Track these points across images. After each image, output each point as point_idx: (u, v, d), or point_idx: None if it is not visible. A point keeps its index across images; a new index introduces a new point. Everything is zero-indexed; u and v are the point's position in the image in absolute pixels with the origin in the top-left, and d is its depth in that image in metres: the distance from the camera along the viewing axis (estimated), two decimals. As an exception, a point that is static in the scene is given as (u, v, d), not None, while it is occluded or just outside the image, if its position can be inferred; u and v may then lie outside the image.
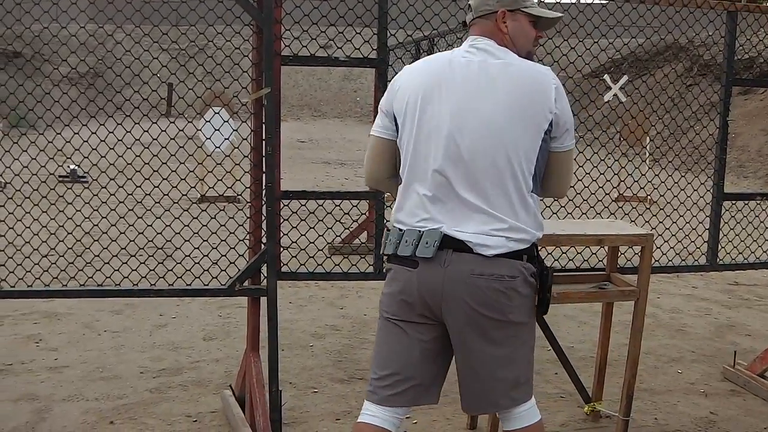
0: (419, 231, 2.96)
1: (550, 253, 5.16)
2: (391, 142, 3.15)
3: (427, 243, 2.94)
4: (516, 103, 2.95)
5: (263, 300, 4.34)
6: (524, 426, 3.13)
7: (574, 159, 3.20)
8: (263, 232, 4.28)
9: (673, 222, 5.41)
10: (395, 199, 3.14)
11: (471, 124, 2.94)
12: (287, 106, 33.33)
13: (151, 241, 4.57)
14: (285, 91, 33.19)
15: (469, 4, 3.14)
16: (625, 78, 5.08)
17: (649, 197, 10.43)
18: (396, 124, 3.11)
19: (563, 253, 5.15)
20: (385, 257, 3.16)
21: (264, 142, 4.24)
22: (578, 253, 5.22)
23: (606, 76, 5.01)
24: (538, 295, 3.08)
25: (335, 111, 32.71)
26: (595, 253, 5.41)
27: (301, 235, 4.72)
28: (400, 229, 3.03)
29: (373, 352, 3.20)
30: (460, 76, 2.99)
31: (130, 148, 4.61)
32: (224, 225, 4.55)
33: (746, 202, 5.42)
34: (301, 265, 4.75)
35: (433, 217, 2.97)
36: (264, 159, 4.26)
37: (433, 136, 2.98)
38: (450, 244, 2.93)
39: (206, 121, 4.53)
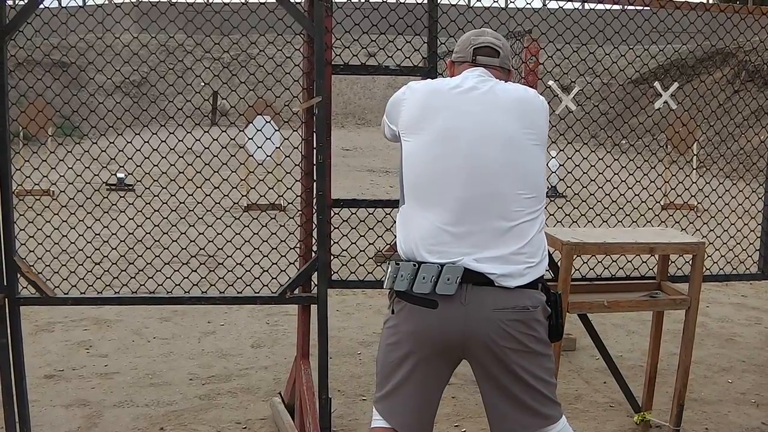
0: (439, 266, 2.84)
1: (600, 261, 5.13)
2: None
3: (448, 279, 2.83)
4: (526, 127, 2.98)
5: (313, 308, 4.37)
6: None
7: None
8: (314, 241, 4.31)
9: (725, 230, 5.36)
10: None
11: (489, 149, 2.92)
12: (332, 114, 33.51)
13: (202, 249, 4.61)
14: (329, 99, 33.46)
15: (483, 50, 3.17)
16: (675, 85, 5.05)
17: (699, 204, 10.33)
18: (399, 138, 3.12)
19: (614, 261, 5.10)
20: (392, 292, 3.00)
21: (315, 150, 4.26)
22: (629, 261, 5.18)
23: (657, 83, 4.95)
24: (550, 321, 3.01)
25: (380, 119, 32.64)
26: (645, 262, 5.38)
27: (352, 243, 4.73)
28: (415, 264, 2.88)
29: (378, 365, 3.13)
30: (471, 101, 3.00)
31: (182, 157, 4.66)
32: (275, 233, 4.57)
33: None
34: (352, 273, 4.77)
35: (453, 249, 2.88)
36: (315, 168, 4.28)
37: (449, 161, 2.93)
38: (470, 278, 2.84)
39: (257, 130, 4.55)
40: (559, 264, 4.04)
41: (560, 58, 5.23)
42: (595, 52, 5.05)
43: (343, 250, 4.86)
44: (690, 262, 4.21)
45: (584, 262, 5.02)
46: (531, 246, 2.91)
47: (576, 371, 5.67)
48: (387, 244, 6.53)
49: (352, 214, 4.84)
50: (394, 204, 4.66)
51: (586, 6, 4.84)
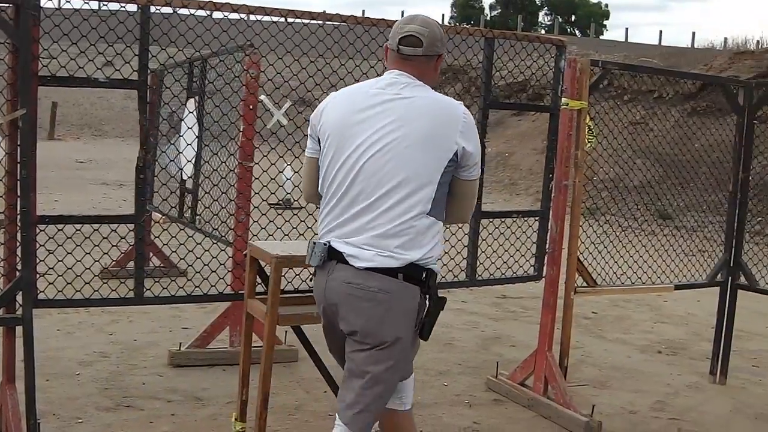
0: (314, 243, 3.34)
1: (312, 274, 5.22)
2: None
3: (314, 253, 3.33)
4: (425, 133, 3.22)
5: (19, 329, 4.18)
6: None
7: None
8: (18, 259, 4.13)
9: (446, 240, 5.59)
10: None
11: (377, 150, 3.22)
12: (66, 126, 32.29)
13: None
14: (64, 109, 32.24)
15: (407, 40, 3.34)
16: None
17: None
18: (320, 145, 3.41)
19: (297, 274, 5.17)
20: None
21: (19, 165, 4.08)
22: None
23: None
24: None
25: (117, 131, 31.96)
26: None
27: (77, 261, 4.60)
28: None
29: None
30: (378, 106, 3.27)
31: None
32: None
33: (503, 219, 5.68)
34: (59, 291, 4.61)
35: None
36: (19, 183, 4.09)
37: (343, 159, 3.27)
38: (334, 255, 3.27)
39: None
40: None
41: (302, 74, 5.27)
42: (331, 62, 5.13)
43: (50, 268, 4.67)
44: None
45: (296, 275, 5.08)
46: (389, 236, 3.20)
47: (297, 382, 5.74)
48: (113, 261, 6.37)
49: (77, 230, 4.68)
50: (103, 220, 4.56)
51: (302, 21, 4.94)
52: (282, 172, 5.44)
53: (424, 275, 3.27)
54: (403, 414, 3.59)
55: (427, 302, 3.36)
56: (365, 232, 3.22)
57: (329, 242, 3.31)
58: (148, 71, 4.41)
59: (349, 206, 3.26)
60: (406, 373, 3.50)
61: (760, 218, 13.60)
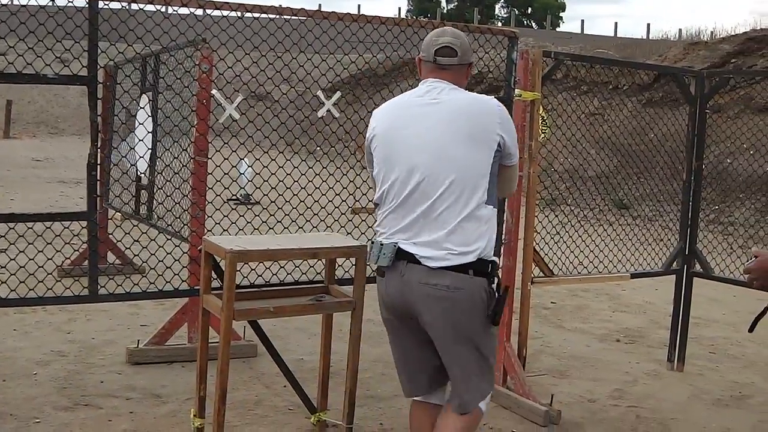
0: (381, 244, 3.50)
1: (268, 268, 5.21)
2: None
3: (384, 254, 3.47)
4: (454, 125, 3.46)
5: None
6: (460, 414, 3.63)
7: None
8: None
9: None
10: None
11: (428, 151, 3.44)
12: (22, 124, 31.91)
13: None
14: (19, 107, 31.87)
15: (443, 51, 3.61)
16: (338, 94, 5.18)
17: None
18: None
19: (282, 267, 5.19)
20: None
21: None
22: (296, 266, 5.30)
23: (320, 92, 5.09)
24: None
25: (74, 128, 31.61)
26: (312, 266, 5.53)
27: (30, 259, 4.55)
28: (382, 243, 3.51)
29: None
30: (420, 111, 3.52)
31: None
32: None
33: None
34: (12, 290, 4.56)
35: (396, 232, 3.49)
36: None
37: (390, 161, 3.51)
38: (403, 256, 3.44)
39: None
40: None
41: (255, 69, 5.24)
42: (289, 62, 5.13)
43: (18, 265, 4.64)
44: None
45: (252, 269, 5.07)
46: (453, 233, 3.40)
47: (257, 377, 5.72)
48: (66, 258, 6.31)
49: (29, 228, 4.64)
50: (54, 218, 4.51)
51: (256, 15, 4.91)
52: (236, 166, 5.41)
53: (489, 267, 3.49)
54: (448, 414, 3.71)
55: (494, 292, 3.53)
56: (432, 232, 3.42)
57: (397, 243, 3.47)
58: (98, 67, 4.36)
59: (410, 209, 3.46)
60: (492, 356, 3.68)
61: (715, 207, 13.75)
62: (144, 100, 6.83)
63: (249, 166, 6.81)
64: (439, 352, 3.57)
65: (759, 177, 11.11)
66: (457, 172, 3.41)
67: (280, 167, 5.32)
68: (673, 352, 6.50)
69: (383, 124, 3.61)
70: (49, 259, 4.80)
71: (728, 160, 12.41)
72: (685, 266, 6.44)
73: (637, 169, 6.48)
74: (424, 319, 3.48)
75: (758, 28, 20.53)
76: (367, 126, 6.83)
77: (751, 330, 2.97)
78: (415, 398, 3.80)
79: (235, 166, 5.34)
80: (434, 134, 3.45)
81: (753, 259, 3.00)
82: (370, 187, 7.04)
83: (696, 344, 7.11)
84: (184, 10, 4.69)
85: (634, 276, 6.27)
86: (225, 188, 5.27)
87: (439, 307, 3.42)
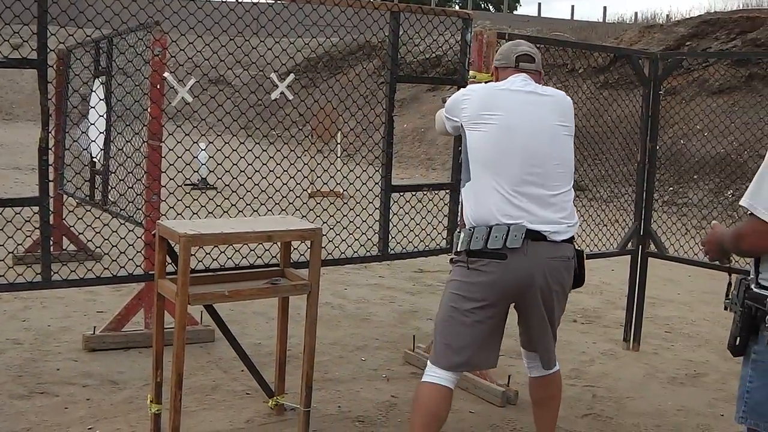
0: (506, 226, 3.66)
1: (223, 252, 5.18)
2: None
3: (515, 235, 3.64)
4: (562, 121, 3.88)
5: None
6: (557, 369, 4.16)
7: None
8: None
9: (357, 215, 5.60)
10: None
11: (539, 140, 3.77)
12: (-24, 110, 31.43)
13: None
14: (-28, 94, 31.34)
15: (523, 57, 4.02)
16: (291, 76, 5.15)
17: (345, 192, 10.73)
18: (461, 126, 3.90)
19: (236, 251, 5.17)
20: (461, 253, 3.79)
21: None
22: (251, 250, 5.28)
23: (273, 75, 5.05)
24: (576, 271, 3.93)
25: (28, 114, 31.07)
26: (268, 250, 5.51)
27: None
28: (487, 227, 3.68)
29: (447, 329, 3.88)
30: (524, 101, 3.84)
31: None
32: None
33: (414, 192, 5.69)
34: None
35: (514, 213, 3.69)
36: None
37: (509, 147, 3.73)
38: (528, 235, 3.67)
39: None
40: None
41: (209, 52, 5.19)
42: (241, 45, 5.07)
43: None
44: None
45: (207, 253, 5.04)
46: (566, 210, 3.80)
47: (215, 362, 5.70)
48: (18, 245, 6.21)
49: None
50: (5, 203, 4.44)
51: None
52: (197, 157, 5.37)
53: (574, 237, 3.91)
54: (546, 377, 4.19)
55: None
56: (551, 209, 3.75)
57: (524, 224, 3.69)
58: (48, 50, 4.30)
59: (529, 188, 3.73)
60: None
61: (670, 188, 13.88)
62: (96, 84, 6.75)
63: (202, 150, 6.75)
64: (537, 318, 3.90)
65: (712, 158, 11.23)
66: (561, 156, 3.83)
67: (234, 150, 5.29)
68: (629, 331, 6.57)
69: (487, 103, 3.83)
70: (1, 245, 4.73)
71: (682, 141, 12.52)
72: (640, 246, 6.50)
73: (593, 152, 6.49)
74: (542, 293, 3.78)
75: (712, 11, 20.69)
76: (321, 109, 6.82)
77: (726, 308, 3.03)
78: (436, 381, 3.86)
79: (197, 157, 5.30)
80: (548, 123, 3.82)
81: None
82: (325, 170, 7.08)
83: (651, 324, 7.19)
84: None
85: (589, 257, 6.25)
86: (178, 172, 5.22)
87: (563, 276, 3.81)
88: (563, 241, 3.78)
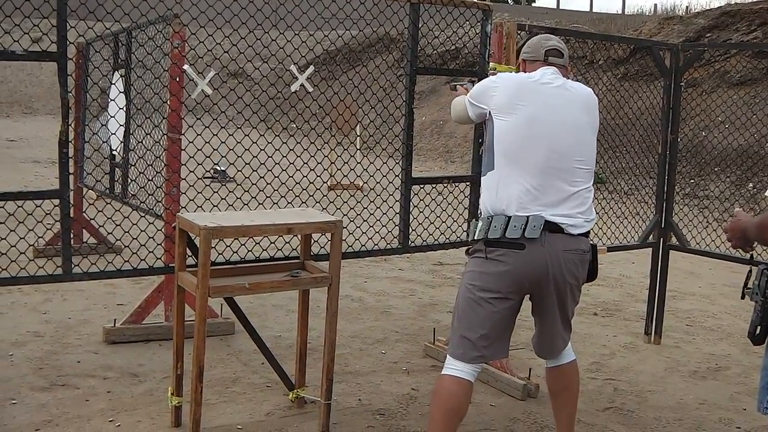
0: (525, 217, 3.68)
1: (243, 244, 5.18)
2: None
3: (534, 226, 3.65)
4: (589, 117, 3.92)
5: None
6: (572, 359, 4.16)
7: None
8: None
9: (377, 207, 5.58)
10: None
11: (564, 135, 3.79)
12: (-2, 104, 31.58)
13: None
14: (-9, 87, 31.48)
15: (552, 52, 4.04)
16: (311, 68, 5.14)
17: (364, 184, 10.73)
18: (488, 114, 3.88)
19: (257, 243, 5.17)
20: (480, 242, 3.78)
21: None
22: (272, 243, 5.27)
23: (293, 67, 5.04)
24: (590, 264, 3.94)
25: (48, 107, 31.22)
26: (288, 243, 5.51)
27: (2, 239, 4.50)
28: (506, 216, 3.71)
29: (464, 320, 3.82)
30: (553, 95, 3.84)
31: None
32: None
33: (434, 185, 5.67)
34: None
35: (533, 206, 3.71)
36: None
37: (535, 140, 3.74)
38: (547, 226, 3.69)
39: None
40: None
41: (228, 44, 5.19)
42: (261, 37, 5.06)
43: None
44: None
45: (227, 246, 5.03)
46: (585, 206, 3.82)
47: (235, 354, 5.71)
48: (39, 238, 6.23)
49: (19, 207, 4.60)
50: (27, 196, 4.45)
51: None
52: (217, 149, 5.36)
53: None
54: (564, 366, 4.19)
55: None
56: (570, 203, 3.77)
57: (543, 216, 3.71)
58: (68, 43, 4.30)
59: (553, 185, 3.75)
60: None
61: (691, 180, 13.80)
62: (116, 76, 6.75)
63: (222, 142, 6.62)
64: (551, 309, 3.89)
65: (734, 150, 11.14)
66: (585, 153, 3.85)
67: (254, 143, 5.29)
68: (650, 325, 6.53)
69: (519, 94, 3.83)
70: (21, 238, 4.74)
71: (703, 134, 12.46)
72: (661, 239, 6.47)
73: (613, 144, 6.46)
74: (557, 284, 3.78)
75: (732, 2, 20.53)
76: (341, 102, 6.81)
77: (743, 297, 3.02)
78: (456, 374, 3.82)
79: (216, 149, 5.28)
80: (574, 119, 3.84)
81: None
82: (345, 162, 7.07)
83: (672, 317, 7.15)
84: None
85: (610, 249, 6.27)
86: (198, 164, 5.22)
87: (578, 268, 3.82)
88: (579, 234, 3.81)
